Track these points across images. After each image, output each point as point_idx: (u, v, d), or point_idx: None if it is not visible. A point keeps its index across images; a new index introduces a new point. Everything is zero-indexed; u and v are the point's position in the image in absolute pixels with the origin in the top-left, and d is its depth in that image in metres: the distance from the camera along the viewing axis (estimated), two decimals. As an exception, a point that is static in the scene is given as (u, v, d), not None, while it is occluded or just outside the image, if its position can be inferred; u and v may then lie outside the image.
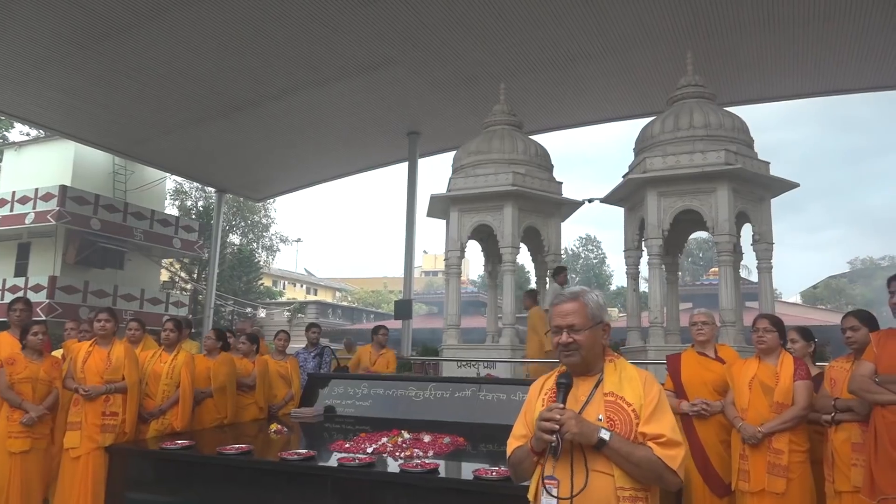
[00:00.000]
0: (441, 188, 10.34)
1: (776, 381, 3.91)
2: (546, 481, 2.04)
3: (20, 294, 17.54)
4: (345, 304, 50.21)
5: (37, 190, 20.18)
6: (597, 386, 2.16)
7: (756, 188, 8.79)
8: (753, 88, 12.87)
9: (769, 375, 3.94)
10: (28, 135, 25.22)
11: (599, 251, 59.26)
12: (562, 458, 2.00)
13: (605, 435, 1.99)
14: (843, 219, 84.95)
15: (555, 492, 2.00)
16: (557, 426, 1.97)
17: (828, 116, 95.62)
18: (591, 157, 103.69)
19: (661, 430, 2.05)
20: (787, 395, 3.86)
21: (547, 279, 10.62)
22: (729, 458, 4.11)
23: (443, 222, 10.93)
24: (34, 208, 20.10)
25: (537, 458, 2.12)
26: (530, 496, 2.16)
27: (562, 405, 2.05)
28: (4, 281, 20.51)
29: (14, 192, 20.79)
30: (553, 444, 1.97)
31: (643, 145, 9.25)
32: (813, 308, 36.52)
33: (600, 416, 2.07)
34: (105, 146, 16.69)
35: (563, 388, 2.10)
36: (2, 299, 19.60)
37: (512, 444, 2.27)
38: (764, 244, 8.77)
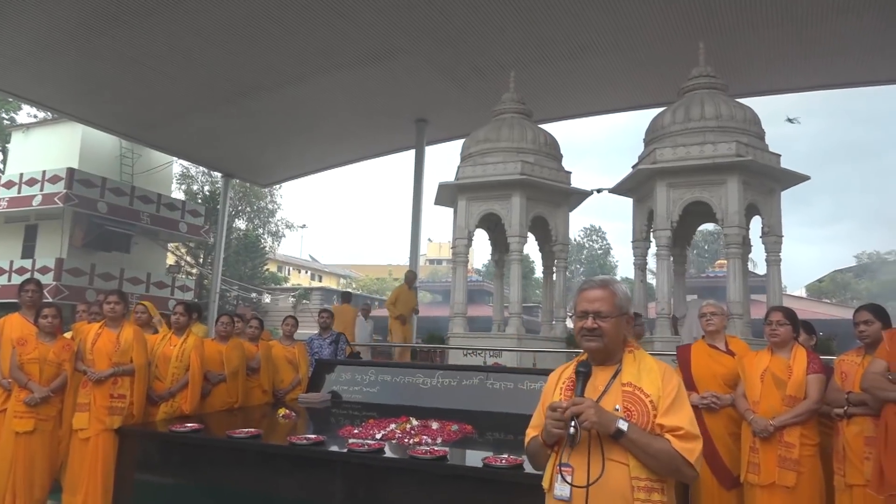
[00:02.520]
0: (447, 176, 10.32)
1: (789, 374, 3.89)
2: (562, 469, 2.04)
3: (27, 276, 17.59)
4: (349, 290, 50.27)
5: (44, 172, 20.17)
6: (615, 376, 2.16)
7: (766, 180, 8.75)
8: (765, 80, 12.76)
9: (782, 368, 3.93)
10: (36, 117, 25.26)
11: (604, 241, 59.19)
12: (578, 446, 2.00)
13: (623, 425, 1.99)
14: (851, 213, 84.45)
15: (569, 479, 2.01)
16: (576, 414, 1.97)
17: (837, 110, 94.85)
18: (595, 148, 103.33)
19: (679, 422, 2.05)
20: (800, 389, 3.85)
21: (554, 269, 10.61)
22: (738, 450, 4.10)
23: (447, 211, 10.93)
24: (41, 190, 20.09)
25: (549, 451, 2.14)
26: (545, 483, 2.16)
27: (580, 395, 2.05)
28: (12, 263, 20.55)
29: (21, 175, 20.77)
30: (571, 433, 1.96)
31: (653, 136, 9.20)
32: (818, 302, 36.43)
33: (617, 406, 2.06)
34: (112, 129, 16.70)
35: (582, 377, 2.10)
36: (9, 281, 19.68)
37: (529, 434, 2.29)
38: (773, 237, 8.74)
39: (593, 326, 2.15)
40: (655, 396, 2.08)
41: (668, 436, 2.03)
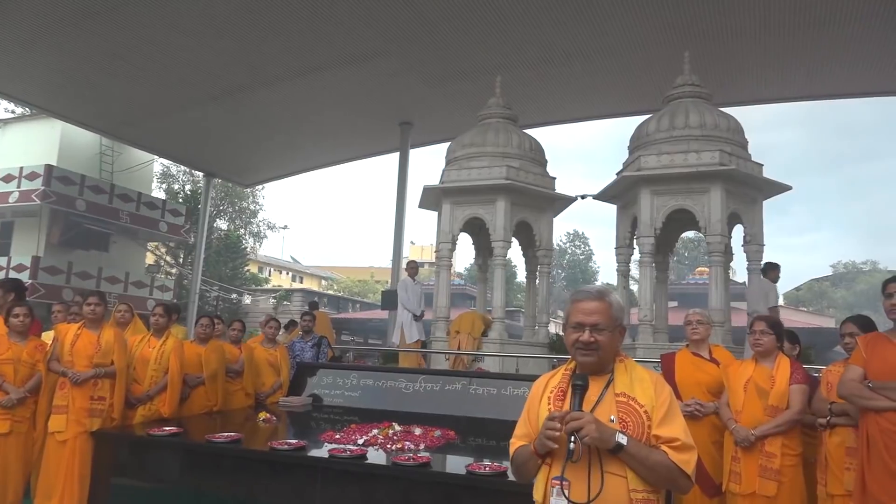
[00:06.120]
0: (432, 180, 10.30)
1: (771, 383, 3.89)
2: (556, 482, 1.99)
3: (2, 274, 17.32)
4: (331, 292, 49.98)
5: (21, 169, 19.83)
6: (607, 386, 2.12)
7: (749, 189, 8.82)
8: (747, 90, 12.90)
9: (764, 378, 3.93)
10: (13, 112, 24.76)
11: (586, 247, 59.40)
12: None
13: (623, 439, 1.96)
14: (827, 222, 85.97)
15: (566, 493, 1.96)
16: (576, 429, 1.93)
17: (816, 120, 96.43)
18: (580, 153, 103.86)
19: (674, 433, 2.02)
20: (782, 399, 3.85)
21: (537, 274, 10.61)
22: (720, 459, 4.10)
23: (431, 214, 10.90)
24: (18, 187, 19.75)
25: (541, 461, 2.09)
26: (538, 497, 2.10)
27: (578, 409, 2.01)
28: (-14, 260, 20.21)
29: (-2, 171, 20.46)
30: (570, 448, 1.92)
31: (638, 143, 9.24)
32: (796, 310, 36.90)
33: (613, 417, 2.03)
34: (92, 126, 16.44)
35: (580, 391, 2.05)
36: (-17, 278, 19.30)
37: (514, 444, 2.23)
38: (755, 245, 8.81)
39: (590, 340, 2.10)
40: (649, 406, 2.06)
41: (664, 447, 2.01)
